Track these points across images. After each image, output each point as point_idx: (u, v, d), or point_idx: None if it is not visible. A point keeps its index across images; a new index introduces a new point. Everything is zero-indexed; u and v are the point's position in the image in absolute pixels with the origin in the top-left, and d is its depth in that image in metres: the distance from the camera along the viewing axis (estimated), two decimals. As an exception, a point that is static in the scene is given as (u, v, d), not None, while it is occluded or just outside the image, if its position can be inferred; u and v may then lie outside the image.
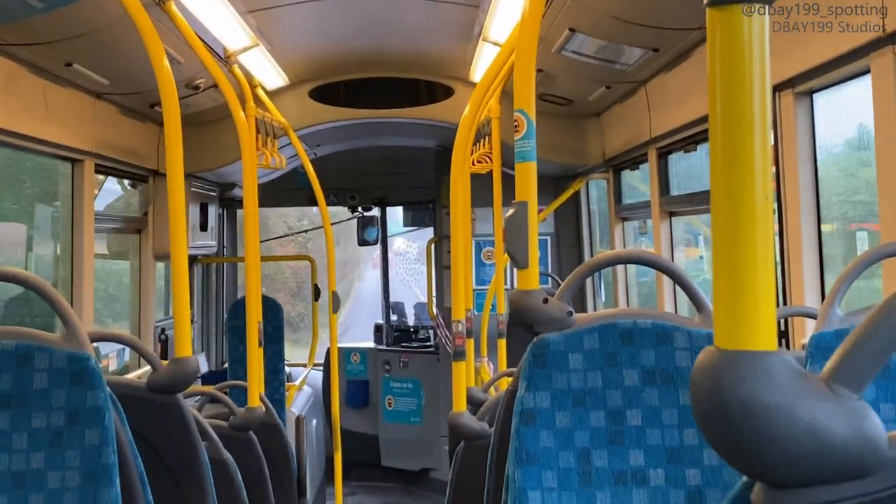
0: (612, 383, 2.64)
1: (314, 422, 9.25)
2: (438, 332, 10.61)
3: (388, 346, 11.81)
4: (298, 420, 8.13)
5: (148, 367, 3.83)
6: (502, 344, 6.31)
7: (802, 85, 4.11)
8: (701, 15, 1.08)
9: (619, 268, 7.96)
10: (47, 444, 2.75)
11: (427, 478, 11.02)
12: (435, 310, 11.08)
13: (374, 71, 8.15)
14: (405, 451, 11.22)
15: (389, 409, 11.35)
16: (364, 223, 12.22)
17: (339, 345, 8.73)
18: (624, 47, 5.64)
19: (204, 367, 9.44)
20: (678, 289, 4.29)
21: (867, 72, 3.56)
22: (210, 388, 5.83)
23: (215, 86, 6.01)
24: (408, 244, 22.98)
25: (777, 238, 4.50)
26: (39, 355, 2.79)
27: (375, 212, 12.43)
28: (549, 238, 9.38)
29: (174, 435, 3.73)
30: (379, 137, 9.69)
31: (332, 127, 8.44)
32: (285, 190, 10.97)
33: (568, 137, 8.01)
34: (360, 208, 12.19)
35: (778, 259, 4.51)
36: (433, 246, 11.28)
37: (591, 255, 8.93)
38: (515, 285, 2.92)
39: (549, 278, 8.73)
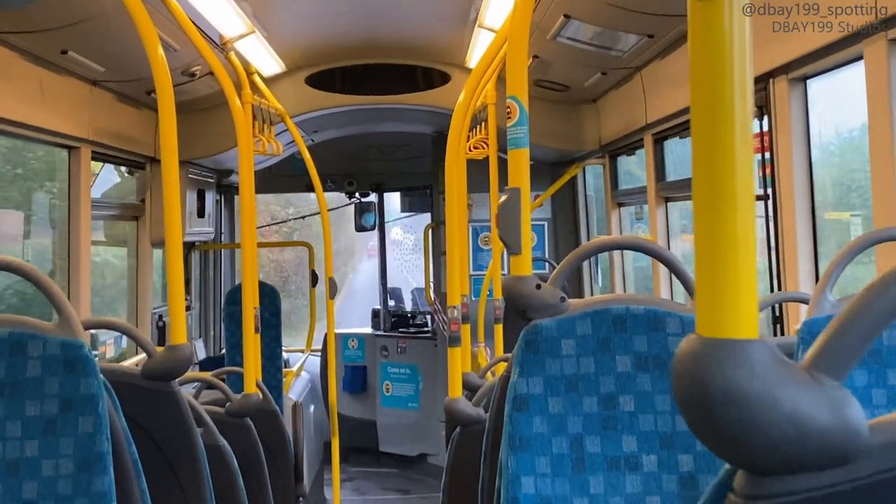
0: (604, 369, 2.64)
1: (312, 407, 9.26)
2: (436, 317, 10.63)
3: (385, 331, 11.82)
4: (296, 406, 8.14)
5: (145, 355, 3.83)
6: (499, 329, 6.31)
7: (796, 71, 4.11)
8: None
9: (616, 254, 7.97)
10: (41, 432, 2.75)
11: (425, 463, 11.04)
12: (433, 295, 11.09)
13: (370, 57, 8.14)
14: (403, 437, 11.24)
15: (387, 394, 11.36)
16: (361, 209, 12.22)
17: (337, 330, 8.74)
18: (619, 33, 5.64)
19: (202, 354, 9.45)
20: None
21: (860, 58, 3.56)
22: (206, 375, 5.83)
23: (211, 73, 6.01)
24: (404, 234, 22.55)
25: (772, 224, 4.50)
26: (33, 343, 2.79)
27: (373, 198, 12.43)
28: (545, 223, 9.39)
29: (170, 422, 3.73)
30: (376, 124, 9.69)
31: (328, 113, 8.44)
32: (283, 176, 10.97)
33: (564, 123, 8.01)
34: (357, 194, 12.18)
35: (773, 245, 4.52)
36: (430, 231, 11.28)
37: (588, 241, 8.93)
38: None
39: (546, 264, 8.73)
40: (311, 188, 8.29)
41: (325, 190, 8.57)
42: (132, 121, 6.97)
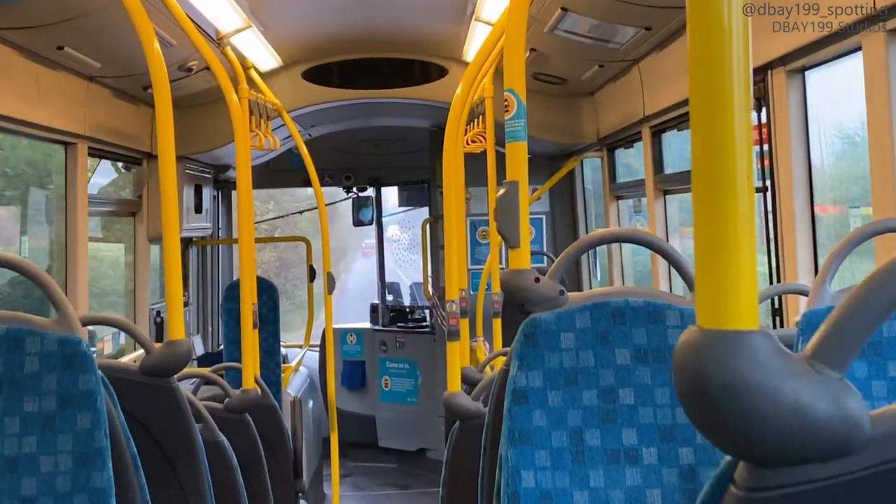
0: (604, 362, 2.63)
1: (310, 403, 9.26)
2: (434, 312, 10.62)
3: (384, 326, 11.81)
4: (295, 401, 8.13)
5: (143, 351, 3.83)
6: (498, 323, 6.31)
7: (794, 62, 4.10)
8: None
9: (614, 247, 7.96)
10: (39, 429, 2.74)
11: (424, 458, 11.04)
12: (431, 290, 11.08)
13: (367, 51, 8.13)
14: (402, 432, 11.24)
15: (386, 389, 11.36)
16: (359, 203, 12.21)
17: (335, 325, 8.73)
18: (617, 26, 5.64)
19: (200, 350, 9.44)
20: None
21: (859, 49, 3.56)
22: (205, 371, 5.83)
23: (208, 68, 6.00)
24: (400, 231, 22.18)
25: (770, 216, 4.50)
26: (31, 339, 2.78)
27: (370, 192, 12.41)
28: (544, 217, 9.38)
29: (168, 418, 3.72)
30: (373, 118, 9.68)
31: (325, 108, 8.43)
32: (280, 171, 10.95)
33: (562, 116, 8.01)
34: (355, 189, 12.18)
35: (772, 237, 4.51)
36: (428, 226, 11.27)
37: (587, 234, 8.93)
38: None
39: (545, 257, 8.73)
40: (308, 183, 8.29)
41: (322, 185, 8.56)
42: (129, 116, 6.96)
